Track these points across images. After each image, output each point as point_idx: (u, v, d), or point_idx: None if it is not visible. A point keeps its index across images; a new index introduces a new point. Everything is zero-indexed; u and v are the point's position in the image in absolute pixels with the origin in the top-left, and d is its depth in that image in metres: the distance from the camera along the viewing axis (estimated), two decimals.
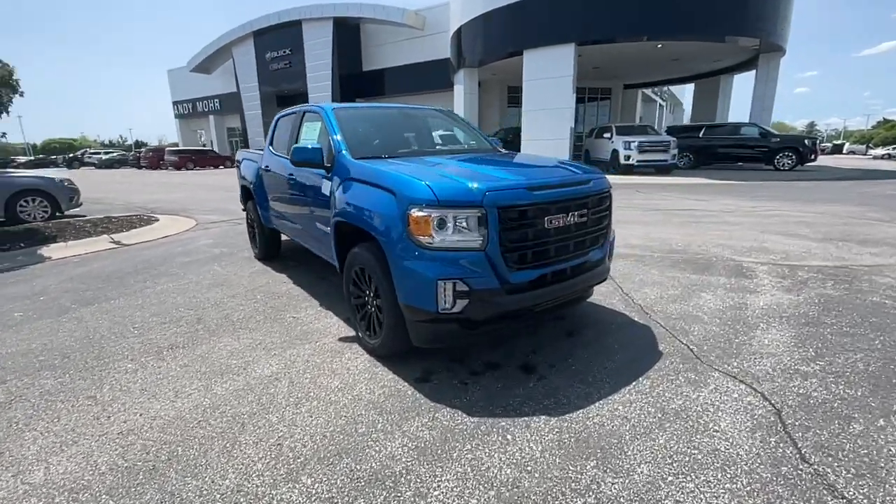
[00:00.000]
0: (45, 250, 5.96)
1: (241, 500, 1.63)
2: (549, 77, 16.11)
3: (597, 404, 2.16)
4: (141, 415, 2.21)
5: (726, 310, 3.28)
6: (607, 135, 15.61)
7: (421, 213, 2.15)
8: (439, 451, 1.85)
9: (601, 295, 3.64)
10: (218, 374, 2.60)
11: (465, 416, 2.10)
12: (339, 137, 3.08)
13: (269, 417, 2.14)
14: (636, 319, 3.16)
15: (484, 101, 24.85)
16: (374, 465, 1.79)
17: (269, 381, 2.48)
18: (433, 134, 3.81)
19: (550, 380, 2.40)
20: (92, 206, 10.74)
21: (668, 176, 14.28)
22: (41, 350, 2.98)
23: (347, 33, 27.56)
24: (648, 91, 30.38)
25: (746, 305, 3.35)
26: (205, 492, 1.68)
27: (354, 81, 28.01)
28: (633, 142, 14.13)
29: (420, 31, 25.14)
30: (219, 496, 1.65)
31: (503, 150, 3.72)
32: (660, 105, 36.53)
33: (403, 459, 1.81)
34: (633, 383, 2.33)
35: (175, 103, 42.71)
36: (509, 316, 2.36)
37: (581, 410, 2.11)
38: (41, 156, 50.15)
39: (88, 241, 6.49)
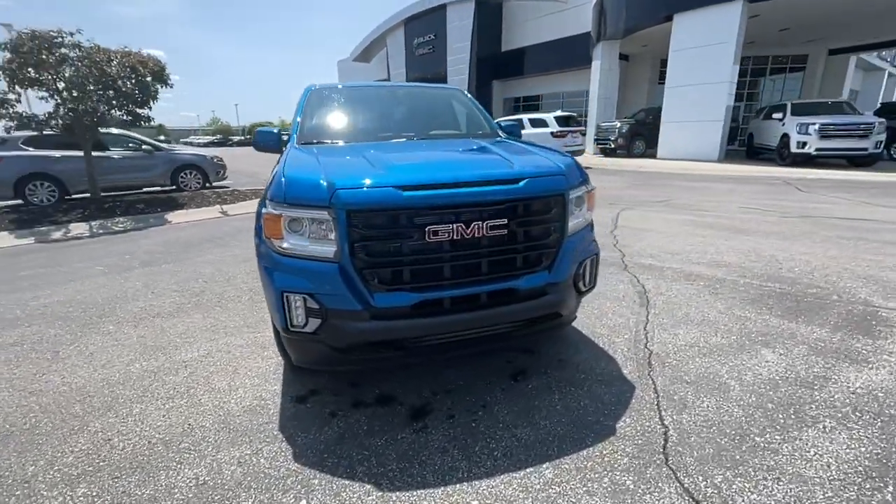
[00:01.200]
0: (171, 215, 7.27)
1: (18, 492, 1.61)
2: (704, 45, 13.31)
3: (446, 488, 1.57)
4: (62, 377, 2.42)
5: (783, 383, 2.15)
6: (778, 115, 12.26)
7: (274, 212, 1.82)
8: (217, 498, 1.56)
9: (607, 328, 2.77)
10: (154, 350, 2.71)
11: (287, 459, 1.75)
12: (299, 119, 2.88)
13: (134, 408, 2.12)
14: (626, 374, 2.29)
15: (630, 77, 22.10)
16: (147, 492, 1.59)
17: (177, 368, 2.48)
18: (427, 117, 3.31)
19: (430, 436, 1.86)
20: (241, 178, 12.83)
21: (865, 170, 10.60)
22: (78, 302, 3.55)
23: (489, 13, 27.18)
24: (870, 56, 22.98)
25: (827, 382, 2.14)
26: (4, 475, 1.70)
27: (492, 63, 27.65)
28: (813, 124, 10.75)
29: (563, 3, 23.32)
30: (10, 482, 1.66)
31: (501, 137, 3.04)
32: (889, 74, 27.40)
33: (177, 496, 1.57)
34: (529, 470, 1.65)
35: None
36: (388, 345, 1.89)
37: (418, 492, 1.56)
38: (248, 136, 62.53)
39: (204, 209, 7.70)
